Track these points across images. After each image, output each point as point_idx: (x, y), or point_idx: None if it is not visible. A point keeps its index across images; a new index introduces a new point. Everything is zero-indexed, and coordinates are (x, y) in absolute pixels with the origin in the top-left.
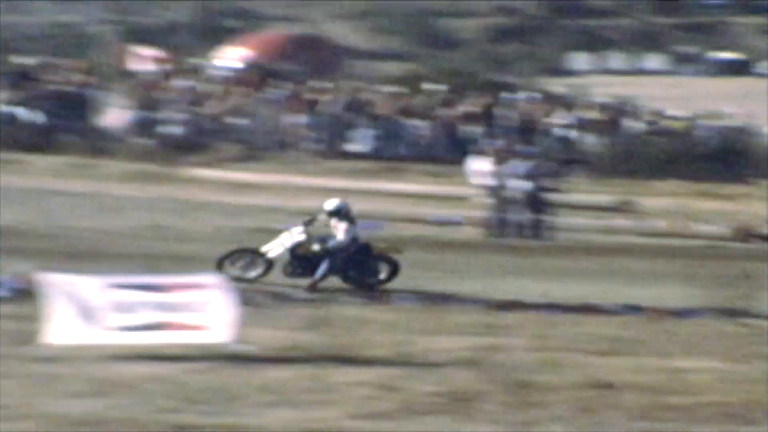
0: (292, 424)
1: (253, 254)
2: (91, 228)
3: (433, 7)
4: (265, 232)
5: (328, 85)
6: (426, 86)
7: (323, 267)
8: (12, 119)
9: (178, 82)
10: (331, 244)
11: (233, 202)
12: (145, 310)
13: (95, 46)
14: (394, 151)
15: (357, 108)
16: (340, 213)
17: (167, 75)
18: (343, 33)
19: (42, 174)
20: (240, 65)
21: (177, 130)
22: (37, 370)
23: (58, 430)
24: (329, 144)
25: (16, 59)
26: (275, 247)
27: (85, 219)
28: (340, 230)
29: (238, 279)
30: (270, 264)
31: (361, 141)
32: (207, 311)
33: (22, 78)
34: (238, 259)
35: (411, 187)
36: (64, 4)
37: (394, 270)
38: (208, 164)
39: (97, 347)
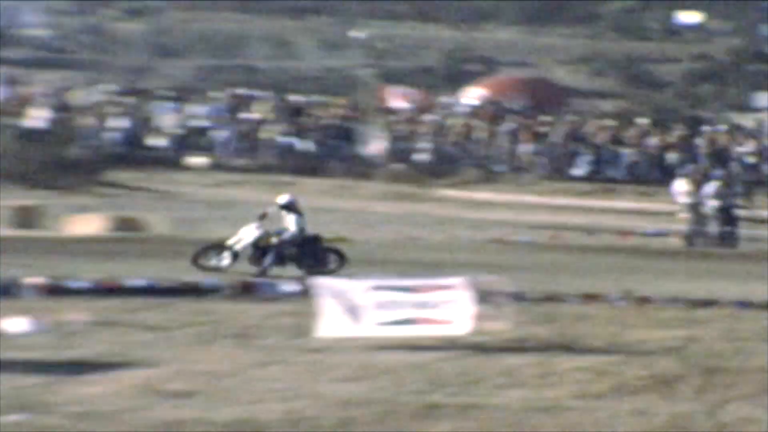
0: (523, 402)
1: (222, 248)
2: (356, 239)
3: (642, 54)
4: (501, 243)
5: (553, 119)
6: (635, 120)
7: (270, 256)
8: (290, 148)
9: (428, 117)
10: (285, 236)
11: (474, 217)
12: (401, 308)
13: (358, 87)
14: (609, 174)
15: (577, 138)
16: (290, 207)
17: (418, 111)
18: (566, 75)
19: (313, 194)
20: (479, 103)
21: (426, 157)
22: (311, 358)
23: (328, 410)
24: (554, 168)
25: (292, 97)
26: (239, 241)
27: (351, 232)
28: (290, 222)
29: (213, 269)
30: (236, 255)
31: (580, 166)
32: (451, 308)
33: (296, 113)
34: (209, 253)
35: (623, 204)
36: (332, 51)
37: (342, 260)
38: (453, 186)
39: (360, 339)
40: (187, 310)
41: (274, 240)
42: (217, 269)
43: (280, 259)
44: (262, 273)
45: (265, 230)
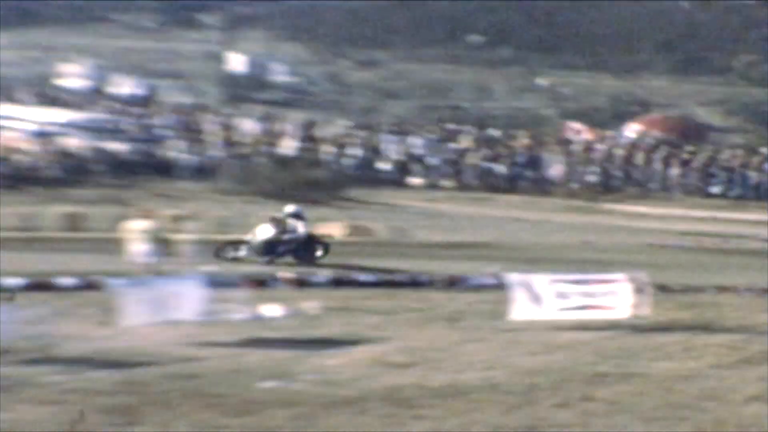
0: (669, 371)
1: (239, 243)
2: (540, 243)
3: (764, 98)
4: (653, 246)
5: (694, 149)
6: (759, 150)
7: (281, 249)
8: (488, 171)
9: (597, 147)
10: (293, 235)
11: (634, 226)
12: (575, 296)
13: (541, 123)
14: (738, 192)
15: (714, 164)
16: (296, 214)
17: (590, 142)
18: (705, 115)
19: (506, 207)
20: (637, 136)
21: (596, 179)
22: (504, 337)
23: (517, 377)
24: (695, 188)
25: (489, 131)
26: (254, 238)
27: (536, 237)
28: (298, 226)
29: (233, 259)
30: (250, 248)
31: (716, 186)
32: (614, 297)
33: (493, 144)
34: (228, 248)
35: (750, 216)
36: (521, 94)
37: (326, 250)
38: (616, 201)
39: (543, 322)
40: (406, 299)
41: (285, 237)
42: (235, 260)
43: (286, 252)
44: (271, 261)
45: (276, 230)
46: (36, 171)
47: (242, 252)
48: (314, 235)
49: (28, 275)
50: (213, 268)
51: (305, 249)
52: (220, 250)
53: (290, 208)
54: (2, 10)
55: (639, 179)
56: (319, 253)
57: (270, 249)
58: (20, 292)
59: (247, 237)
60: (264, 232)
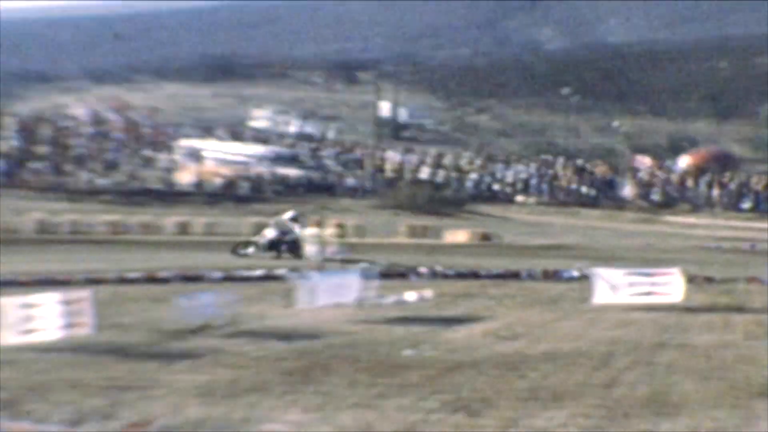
0: (712, 341)
1: (249, 243)
2: (615, 245)
3: None
4: (699, 248)
5: (730, 175)
6: None
7: (282, 247)
8: (577, 191)
9: (658, 173)
10: (291, 236)
11: (685, 233)
12: (642, 285)
13: (617, 155)
14: (763, 208)
15: (744, 186)
16: (294, 219)
17: (652, 170)
18: (738, 149)
19: (590, 219)
20: (686, 166)
21: (657, 197)
22: (588, 316)
23: (598, 346)
24: (731, 204)
25: (578, 161)
26: (262, 238)
27: (612, 241)
28: (296, 227)
29: (244, 255)
30: (258, 247)
31: (746, 202)
32: (671, 286)
33: (580, 171)
34: (240, 246)
35: None
36: (601, 133)
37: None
38: (673, 214)
39: (618, 305)
40: (513, 287)
41: (285, 238)
42: (245, 256)
43: (285, 250)
44: (278, 257)
45: (279, 231)
46: (230, 191)
47: (250, 250)
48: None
49: (222, 269)
50: (364, 263)
51: (300, 247)
52: (235, 248)
53: (289, 213)
54: (205, 68)
55: (689, 198)
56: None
57: (273, 247)
58: (217, 282)
59: (256, 238)
60: (269, 233)
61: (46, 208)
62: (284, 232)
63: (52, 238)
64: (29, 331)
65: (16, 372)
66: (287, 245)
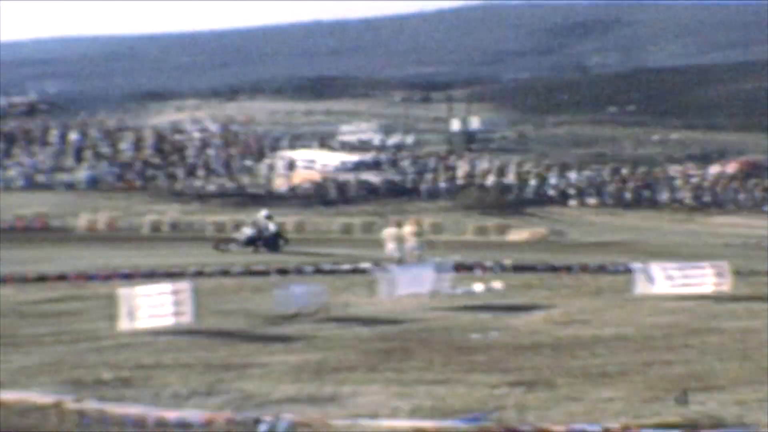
0: (739, 326)
1: (229, 240)
2: (655, 243)
3: None
4: (730, 244)
5: (758, 181)
6: None
7: (258, 242)
8: (621, 195)
9: (692, 180)
10: (266, 233)
11: (717, 231)
12: (678, 278)
13: (656, 163)
14: None
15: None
16: (269, 217)
17: (688, 177)
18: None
19: (636, 219)
20: (718, 173)
21: (691, 201)
22: (631, 305)
23: (641, 330)
24: (757, 205)
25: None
26: (241, 235)
27: (652, 239)
28: (271, 224)
29: (225, 250)
30: (238, 243)
31: None
32: (706, 278)
33: (624, 180)
34: (221, 243)
35: None
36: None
37: (286, 242)
38: (706, 215)
39: (657, 295)
40: (566, 280)
41: (265, 233)
42: (226, 251)
43: (261, 245)
44: (255, 251)
45: (255, 228)
46: (321, 195)
47: (231, 246)
48: (279, 232)
49: (313, 264)
50: (437, 258)
51: (274, 242)
52: (216, 244)
53: (264, 212)
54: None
55: (720, 201)
56: (281, 243)
57: (251, 242)
58: (309, 275)
59: (236, 235)
60: (247, 230)
61: (163, 210)
62: (261, 229)
63: (165, 236)
64: (143, 318)
65: (129, 353)
66: (263, 241)
